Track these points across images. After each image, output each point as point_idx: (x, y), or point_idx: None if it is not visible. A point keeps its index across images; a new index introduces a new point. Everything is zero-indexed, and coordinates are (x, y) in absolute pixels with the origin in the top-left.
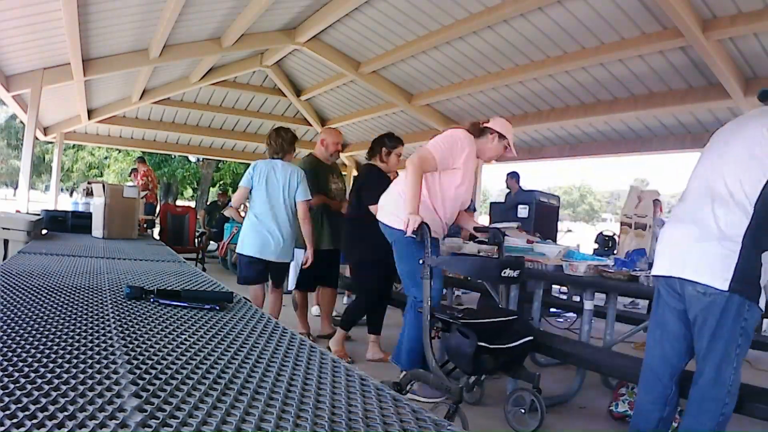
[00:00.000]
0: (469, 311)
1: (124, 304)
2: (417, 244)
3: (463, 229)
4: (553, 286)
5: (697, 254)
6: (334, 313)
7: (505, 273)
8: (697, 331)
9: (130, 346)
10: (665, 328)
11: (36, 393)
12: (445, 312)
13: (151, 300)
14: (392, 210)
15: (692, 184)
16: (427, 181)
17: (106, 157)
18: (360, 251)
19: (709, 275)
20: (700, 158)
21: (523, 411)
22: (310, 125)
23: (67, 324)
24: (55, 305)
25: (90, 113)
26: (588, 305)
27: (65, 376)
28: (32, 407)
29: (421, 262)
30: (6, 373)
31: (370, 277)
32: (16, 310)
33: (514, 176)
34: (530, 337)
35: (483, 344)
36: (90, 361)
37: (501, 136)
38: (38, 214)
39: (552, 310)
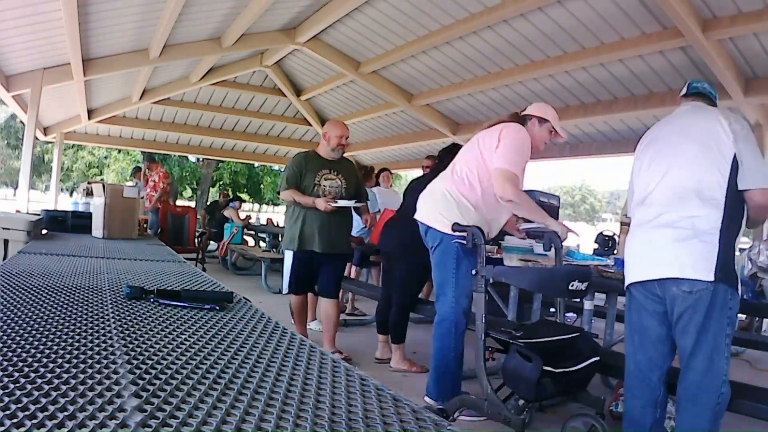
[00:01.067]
0: (525, 328)
1: (124, 304)
2: (463, 252)
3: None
4: None
5: (679, 253)
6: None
7: (573, 286)
8: (681, 329)
9: (130, 346)
10: (646, 333)
11: (36, 393)
12: (501, 330)
13: (151, 300)
14: (440, 212)
15: (654, 189)
16: (483, 188)
17: (106, 157)
18: (422, 256)
19: (693, 270)
20: (645, 165)
21: None
22: (310, 125)
23: (67, 324)
24: (55, 305)
25: (90, 113)
26: (588, 305)
27: (65, 376)
28: (32, 407)
29: (474, 272)
30: (6, 373)
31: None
32: (16, 310)
33: None
34: (596, 358)
35: (548, 368)
36: (90, 361)
37: (541, 120)
38: (38, 214)
39: (552, 310)
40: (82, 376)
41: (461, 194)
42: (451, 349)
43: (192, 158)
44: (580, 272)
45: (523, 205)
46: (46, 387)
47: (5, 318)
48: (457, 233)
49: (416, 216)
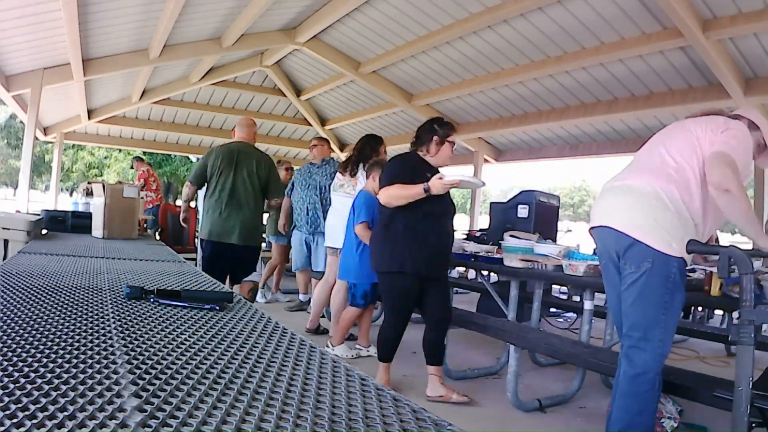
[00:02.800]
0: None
1: (124, 304)
2: (680, 280)
3: None
4: (553, 286)
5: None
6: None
7: None
8: None
9: (130, 346)
10: None
11: (36, 393)
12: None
13: (151, 300)
14: (658, 221)
15: None
16: (702, 193)
17: (106, 157)
18: None
19: None
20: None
21: None
22: (310, 125)
23: (67, 324)
24: (55, 305)
25: (90, 113)
26: (588, 305)
27: (65, 376)
28: (32, 407)
29: (736, 319)
30: (6, 373)
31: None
32: (16, 310)
33: None
34: None
35: None
36: (90, 361)
37: (753, 126)
38: (38, 214)
39: (552, 310)
40: (82, 376)
41: (680, 199)
42: (653, 410)
43: (192, 158)
44: None
45: (741, 204)
46: (46, 387)
47: (5, 318)
48: (689, 254)
49: (607, 222)
